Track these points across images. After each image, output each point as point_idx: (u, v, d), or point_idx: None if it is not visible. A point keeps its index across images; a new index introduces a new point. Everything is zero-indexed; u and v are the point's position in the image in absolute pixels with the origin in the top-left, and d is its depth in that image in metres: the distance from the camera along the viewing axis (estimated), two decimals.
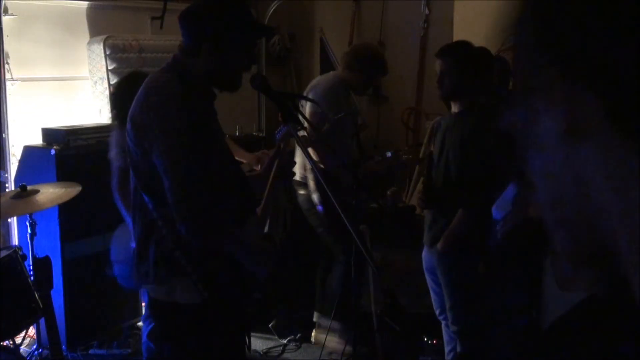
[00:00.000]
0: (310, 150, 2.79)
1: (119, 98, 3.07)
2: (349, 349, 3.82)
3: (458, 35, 4.50)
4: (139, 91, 2.06)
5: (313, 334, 4.05)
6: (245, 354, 2.47)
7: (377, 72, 3.87)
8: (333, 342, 3.96)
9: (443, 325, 3.23)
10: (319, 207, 3.78)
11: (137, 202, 2.10)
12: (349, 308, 3.87)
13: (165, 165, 1.94)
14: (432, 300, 3.25)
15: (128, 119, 2.06)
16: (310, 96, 3.67)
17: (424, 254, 3.19)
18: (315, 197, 3.80)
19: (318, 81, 3.92)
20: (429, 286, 3.24)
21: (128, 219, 2.89)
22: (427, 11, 4.95)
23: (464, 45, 3.02)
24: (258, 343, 4.09)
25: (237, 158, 3.61)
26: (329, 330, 3.95)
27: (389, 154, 4.13)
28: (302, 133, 2.57)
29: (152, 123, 1.95)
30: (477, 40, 3.04)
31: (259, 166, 3.27)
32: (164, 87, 2.01)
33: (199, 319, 2.08)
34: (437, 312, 3.23)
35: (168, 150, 1.93)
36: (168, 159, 1.93)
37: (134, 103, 2.06)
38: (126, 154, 2.16)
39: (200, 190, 1.95)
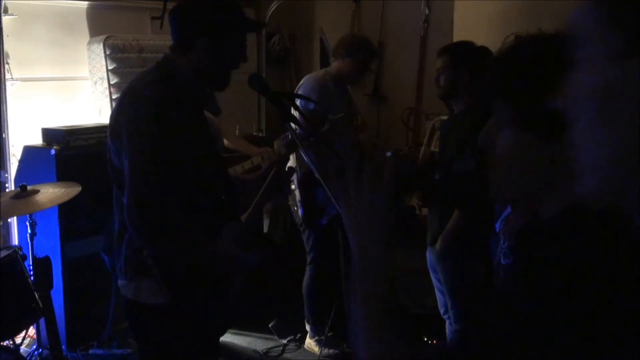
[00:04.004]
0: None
1: None
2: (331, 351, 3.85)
3: (458, 35, 4.49)
4: (123, 90, 2.07)
5: (306, 340, 4.06)
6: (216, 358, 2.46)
7: (368, 56, 3.83)
8: (311, 344, 3.97)
9: (447, 324, 3.22)
10: (301, 211, 3.77)
11: (117, 198, 2.11)
12: (319, 311, 3.91)
13: (127, 168, 1.94)
14: (437, 299, 3.24)
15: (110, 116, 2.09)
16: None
17: (427, 252, 3.19)
18: (297, 195, 3.78)
19: (305, 79, 3.84)
20: (434, 285, 3.23)
21: None
22: (427, 11, 4.93)
23: (464, 44, 3.02)
24: (258, 343, 4.09)
25: (243, 152, 3.76)
26: (308, 334, 4.00)
27: (389, 154, 4.12)
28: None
29: (122, 125, 1.96)
30: (477, 40, 3.03)
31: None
32: (140, 90, 2.00)
33: (164, 320, 2.06)
34: (441, 310, 3.22)
35: (131, 154, 1.93)
36: (129, 163, 1.93)
37: (116, 102, 2.08)
38: None
39: (154, 198, 1.92)
